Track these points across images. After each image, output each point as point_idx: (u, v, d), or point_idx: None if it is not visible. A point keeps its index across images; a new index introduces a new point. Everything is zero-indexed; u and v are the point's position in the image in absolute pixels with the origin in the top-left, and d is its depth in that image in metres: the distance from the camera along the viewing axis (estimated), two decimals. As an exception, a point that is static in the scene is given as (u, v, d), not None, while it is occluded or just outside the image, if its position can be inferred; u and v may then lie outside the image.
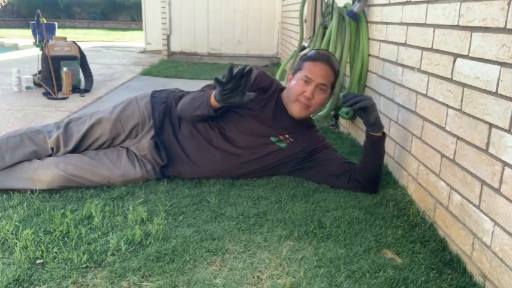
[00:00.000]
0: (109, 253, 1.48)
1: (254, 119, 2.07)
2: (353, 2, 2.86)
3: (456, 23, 1.60)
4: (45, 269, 1.39)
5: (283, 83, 3.78)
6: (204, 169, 2.09)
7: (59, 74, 4.28)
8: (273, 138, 2.09)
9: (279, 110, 2.10)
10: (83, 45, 4.93)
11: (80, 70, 4.58)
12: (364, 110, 1.92)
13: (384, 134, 2.01)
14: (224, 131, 2.08)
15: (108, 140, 2.08)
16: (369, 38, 2.72)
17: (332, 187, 2.10)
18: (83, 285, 1.33)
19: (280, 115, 2.10)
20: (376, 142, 2.01)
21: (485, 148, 1.39)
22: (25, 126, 2.35)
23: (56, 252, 1.48)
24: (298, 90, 2.02)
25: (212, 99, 1.92)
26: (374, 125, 1.97)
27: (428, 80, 1.83)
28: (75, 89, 4.41)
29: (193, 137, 2.08)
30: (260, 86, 2.08)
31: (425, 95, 1.86)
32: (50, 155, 2.02)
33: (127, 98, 2.20)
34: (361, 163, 2.04)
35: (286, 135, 2.10)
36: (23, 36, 12.53)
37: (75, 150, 2.04)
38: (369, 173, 2.02)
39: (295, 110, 2.05)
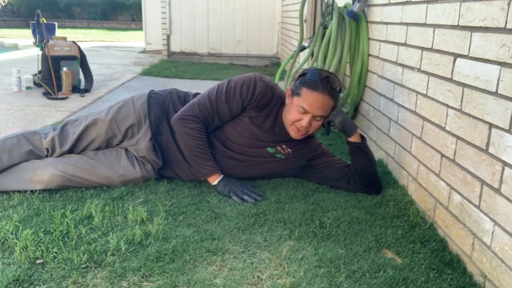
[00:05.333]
0: (109, 253, 1.48)
1: (250, 133, 2.04)
2: (353, 2, 2.86)
3: (456, 23, 1.60)
4: (45, 269, 1.39)
5: (282, 84, 3.77)
6: None
7: (59, 74, 4.28)
8: (270, 150, 2.07)
9: (277, 124, 2.05)
10: (83, 45, 4.93)
11: (80, 70, 4.58)
12: (329, 123, 1.99)
13: (363, 138, 2.02)
14: (224, 141, 2.06)
15: (104, 141, 2.07)
16: (369, 38, 2.72)
17: (332, 187, 2.10)
18: (83, 285, 1.33)
19: (278, 129, 2.05)
20: (356, 148, 2.01)
21: (485, 148, 1.39)
22: (24, 129, 2.35)
23: (56, 252, 1.48)
24: (294, 118, 1.93)
25: (212, 179, 2.00)
26: (345, 131, 1.99)
27: (428, 80, 1.83)
28: (75, 89, 4.41)
29: None
30: (262, 103, 2.01)
31: (425, 95, 1.86)
32: (46, 157, 2.02)
33: (123, 99, 2.19)
34: (353, 170, 2.04)
35: (284, 146, 2.08)
36: (23, 36, 12.54)
37: (71, 151, 2.04)
38: (364, 178, 2.02)
39: (293, 134, 2.00)
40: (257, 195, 1.96)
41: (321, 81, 1.87)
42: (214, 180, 2.00)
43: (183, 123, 1.98)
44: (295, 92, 1.93)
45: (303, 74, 1.94)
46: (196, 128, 1.97)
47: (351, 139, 2.01)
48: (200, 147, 1.97)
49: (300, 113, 1.91)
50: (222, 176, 2.01)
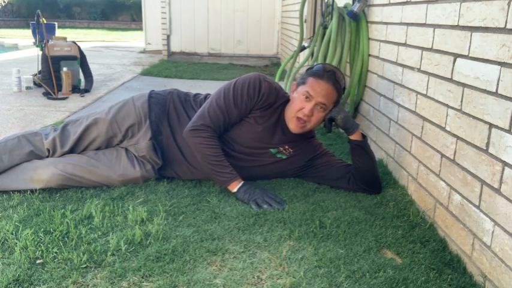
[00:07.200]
0: (109, 253, 1.48)
1: (254, 134, 2.04)
2: (353, 2, 2.86)
3: (456, 23, 1.60)
4: (45, 269, 1.39)
5: (282, 84, 3.78)
6: (201, 171, 2.08)
7: (59, 74, 4.28)
8: (272, 150, 2.08)
9: (280, 125, 2.06)
10: (83, 45, 4.93)
11: (80, 70, 4.58)
12: (331, 120, 1.99)
13: (364, 137, 2.02)
14: (229, 143, 2.06)
15: (105, 141, 2.07)
16: (369, 38, 2.72)
17: (332, 187, 2.10)
18: (83, 285, 1.33)
19: (280, 129, 2.06)
20: (358, 146, 2.01)
21: (485, 148, 1.39)
22: (24, 129, 2.35)
23: (56, 252, 1.48)
24: (298, 106, 1.96)
25: (232, 187, 1.95)
26: (347, 129, 2.00)
27: (428, 80, 1.83)
28: (75, 89, 4.41)
29: None
30: (267, 103, 2.03)
31: (425, 95, 1.86)
32: (47, 157, 2.02)
33: (124, 99, 2.19)
34: (353, 169, 2.05)
35: (286, 147, 2.09)
36: (23, 36, 12.54)
37: (72, 151, 2.04)
38: (364, 177, 2.02)
39: (292, 126, 2.01)
40: (278, 204, 1.89)
41: (327, 72, 1.96)
42: (235, 187, 1.95)
43: (196, 133, 1.96)
44: (300, 83, 1.99)
45: (310, 68, 2.02)
46: (209, 136, 1.96)
47: (352, 137, 2.01)
48: (216, 156, 1.95)
49: (304, 100, 1.95)
50: (242, 182, 1.96)
